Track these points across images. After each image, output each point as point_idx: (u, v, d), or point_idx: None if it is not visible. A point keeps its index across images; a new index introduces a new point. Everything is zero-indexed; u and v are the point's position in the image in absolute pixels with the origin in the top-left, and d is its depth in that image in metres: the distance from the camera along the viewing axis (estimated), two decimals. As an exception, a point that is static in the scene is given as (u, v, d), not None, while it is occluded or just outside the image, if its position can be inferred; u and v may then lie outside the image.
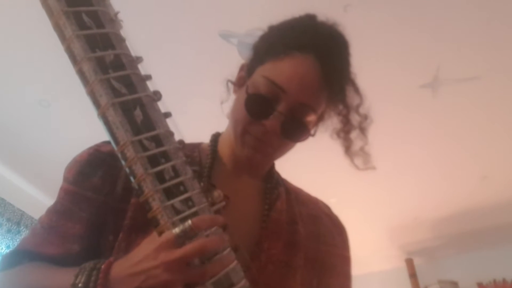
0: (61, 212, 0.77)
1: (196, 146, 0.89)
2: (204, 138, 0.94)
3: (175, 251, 0.58)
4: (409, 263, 4.32)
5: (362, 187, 3.39)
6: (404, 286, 4.19)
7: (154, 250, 0.59)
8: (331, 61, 0.78)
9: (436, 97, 2.65)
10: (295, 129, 0.79)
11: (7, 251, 1.36)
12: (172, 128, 0.64)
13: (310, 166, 3.03)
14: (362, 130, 0.89)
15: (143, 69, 0.64)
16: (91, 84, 0.57)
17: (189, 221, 0.59)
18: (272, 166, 0.93)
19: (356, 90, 0.86)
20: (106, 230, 0.76)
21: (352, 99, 0.85)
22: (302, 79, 0.77)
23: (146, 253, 0.60)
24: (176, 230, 0.59)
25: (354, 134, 0.88)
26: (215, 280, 0.61)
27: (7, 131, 2.90)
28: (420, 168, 3.22)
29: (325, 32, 0.82)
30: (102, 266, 0.62)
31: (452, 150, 3.06)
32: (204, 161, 0.85)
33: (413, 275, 4.23)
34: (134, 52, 0.63)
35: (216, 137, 0.91)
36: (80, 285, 0.61)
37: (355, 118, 0.86)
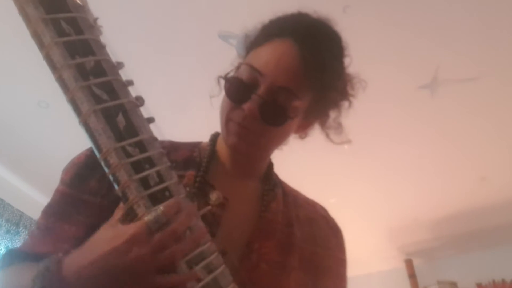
0: (57, 214, 0.77)
1: (196, 145, 0.89)
2: (205, 138, 0.94)
3: (148, 244, 0.56)
4: (408, 263, 4.31)
5: (361, 187, 3.39)
6: (404, 286, 4.19)
7: (125, 243, 0.56)
8: (310, 44, 0.77)
9: (435, 97, 2.65)
10: (273, 113, 0.77)
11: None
12: (156, 133, 0.64)
13: (309, 166, 3.03)
14: (337, 105, 0.88)
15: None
16: (72, 91, 0.56)
17: (161, 207, 0.58)
18: (270, 167, 0.93)
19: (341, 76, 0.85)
20: None
21: (336, 84, 0.84)
22: (279, 61, 0.77)
23: (115, 246, 0.56)
24: (149, 217, 0.57)
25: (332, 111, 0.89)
26: (203, 284, 0.61)
27: (6, 132, 2.91)
28: (419, 169, 3.21)
29: (307, 20, 0.82)
30: (52, 268, 0.58)
31: (451, 151, 3.06)
32: (204, 160, 0.85)
33: (412, 276, 4.23)
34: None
35: (215, 137, 0.90)
36: None
37: (332, 96, 0.86)
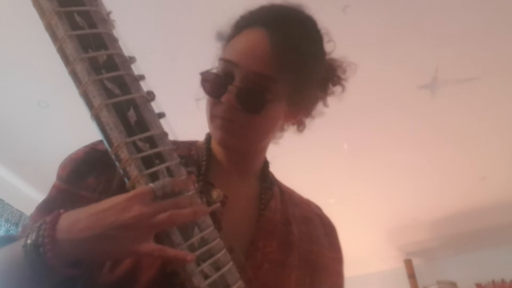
0: (54, 210, 0.75)
1: (193, 144, 0.89)
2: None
3: (150, 206, 0.56)
4: (408, 263, 4.32)
5: (360, 187, 3.40)
6: (403, 286, 4.20)
7: (127, 200, 0.56)
8: (280, 28, 0.77)
9: (434, 98, 2.66)
10: (251, 99, 0.76)
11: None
12: (166, 128, 0.64)
13: (309, 167, 3.03)
14: (323, 89, 0.88)
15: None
16: (84, 85, 0.56)
17: (168, 178, 0.59)
18: (266, 165, 0.92)
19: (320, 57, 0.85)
20: None
21: (312, 65, 0.83)
22: (250, 48, 0.77)
23: (116, 202, 0.57)
24: (156, 183, 0.58)
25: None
26: (211, 281, 0.61)
27: (6, 131, 2.90)
28: (418, 169, 3.22)
29: (277, 8, 0.83)
30: (48, 220, 0.57)
31: (451, 151, 3.07)
32: (201, 159, 0.85)
33: (412, 276, 4.24)
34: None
35: (210, 135, 0.90)
36: (29, 241, 0.57)
37: (313, 78, 0.85)
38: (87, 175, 0.76)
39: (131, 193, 0.57)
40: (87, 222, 0.56)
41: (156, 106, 0.63)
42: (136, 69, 0.62)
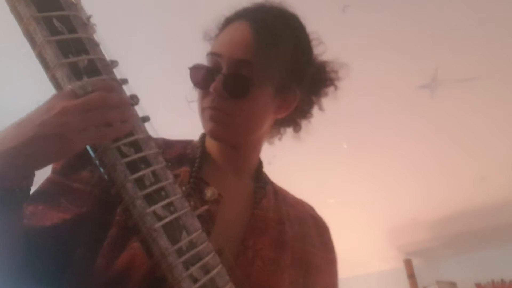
0: (47, 201, 0.74)
1: (188, 143, 0.90)
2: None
3: (76, 100, 0.55)
4: (408, 263, 4.31)
5: (360, 187, 3.39)
6: (403, 286, 4.18)
7: (49, 102, 0.55)
8: (261, 18, 0.81)
9: (434, 98, 2.65)
10: (236, 84, 0.78)
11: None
12: (151, 132, 0.63)
13: (309, 167, 3.03)
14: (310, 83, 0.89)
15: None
16: (65, 91, 0.56)
17: (87, 79, 0.58)
18: (260, 165, 0.93)
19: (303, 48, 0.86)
20: (94, 222, 0.72)
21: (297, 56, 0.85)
22: (233, 37, 0.81)
23: (39, 107, 0.56)
24: (74, 84, 0.56)
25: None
26: (200, 285, 0.61)
27: (5, 131, 2.90)
28: (418, 169, 3.21)
29: (259, 4, 0.87)
30: None
31: (450, 151, 3.06)
32: (196, 157, 0.86)
33: (411, 276, 4.22)
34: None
35: (205, 134, 0.90)
36: None
37: (299, 70, 0.86)
38: (82, 168, 0.76)
39: (51, 96, 0.56)
40: (16, 131, 0.57)
41: (140, 109, 0.62)
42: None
